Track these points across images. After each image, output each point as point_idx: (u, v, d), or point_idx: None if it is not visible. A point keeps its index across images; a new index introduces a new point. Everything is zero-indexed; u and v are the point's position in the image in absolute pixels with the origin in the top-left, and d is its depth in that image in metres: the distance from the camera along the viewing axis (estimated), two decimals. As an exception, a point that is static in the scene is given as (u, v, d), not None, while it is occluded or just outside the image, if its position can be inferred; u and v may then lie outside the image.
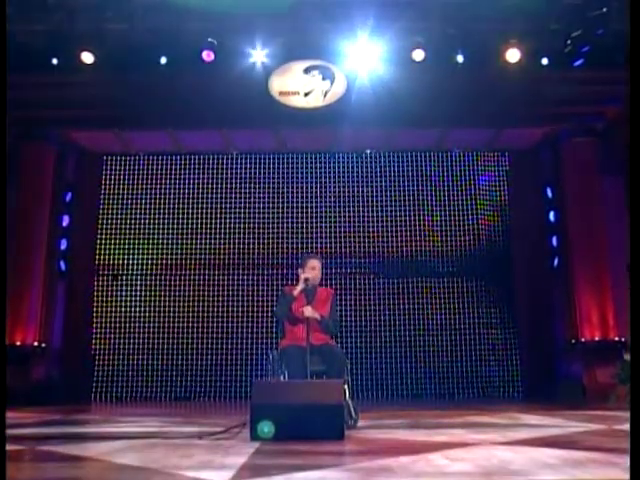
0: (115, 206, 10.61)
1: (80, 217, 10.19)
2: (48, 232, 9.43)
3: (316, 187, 10.71)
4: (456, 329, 10.14)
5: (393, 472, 2.43)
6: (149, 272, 10.38)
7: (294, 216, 10.58)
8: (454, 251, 10.48)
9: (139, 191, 10.67)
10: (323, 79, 9.16)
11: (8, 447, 2.96)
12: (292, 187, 10.71)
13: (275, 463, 2.74)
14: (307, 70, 9.15)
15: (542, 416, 5.48)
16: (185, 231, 10.55)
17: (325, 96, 9.20)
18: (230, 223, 10.59)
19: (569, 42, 8.48)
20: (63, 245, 9.87)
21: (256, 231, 10.54)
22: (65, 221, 9.94)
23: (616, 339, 8.78)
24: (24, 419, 5.39)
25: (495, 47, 8.85)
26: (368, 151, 10.78)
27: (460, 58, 8.72)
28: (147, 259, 10.43)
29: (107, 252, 10.44)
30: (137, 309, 10.22)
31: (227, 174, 10.78)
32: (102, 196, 10.62)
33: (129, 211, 10.59)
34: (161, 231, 10.54)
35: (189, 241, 10.51)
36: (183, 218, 10.59)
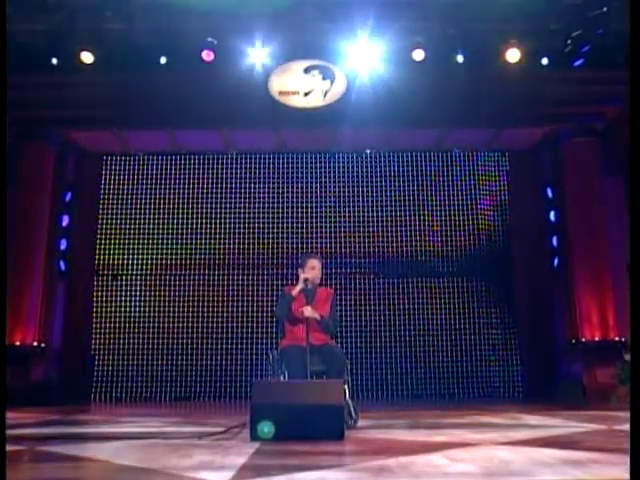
0: (115, 206, 10.61)
1: (80, 217, 10.19)
2: (48, 232, 9.42)
3: (316, 187, 10.70)
4: (456, 329, 10.14)
5: (393, 472, 2.42)
6: (149, 272, 10.38)
7: (294, 216, 10.58)
8: (454, 251, 10.48)
9: (139, 191, 10.67)
10: (323, 79, 9.15)
11: (8, 447, 2.95)
12: (292, 187, 10.71)
13: (275, 463, 2.74)
14: (307, 70, 9.15)
15: (542, 416, 5.47)
16: (185, 231, 10.54)
17: (325, 96, 9.19)
18: (230, 223, 10.59)
19: (569, 42, 8.47)
20: (63, 245, 9.86)
21: (256, 231, 10.54)
22: (65, 221, 9.94)
23: (616, 339, 8.78)
24: (24, 419, 5.38)
25: (495, 47, 8.84)
26: (368, 151, 10.77)
27: (460, 58, 8.72)
28: (147, 259, 10.42)
29: (107, 252, 10.44)
30: (137, 309, 10.21)
31: (227, 174, 10.78)
32: (102, 196, 10.62)
33: (129, 211, 10.59)
34: (161, 231, 10.54)
35: (189, 241, 10.50)
36: (183, 218, 10.59)
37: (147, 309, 10.21)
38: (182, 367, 9.95)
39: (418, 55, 8.68)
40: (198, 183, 10.73)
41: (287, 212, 10.60)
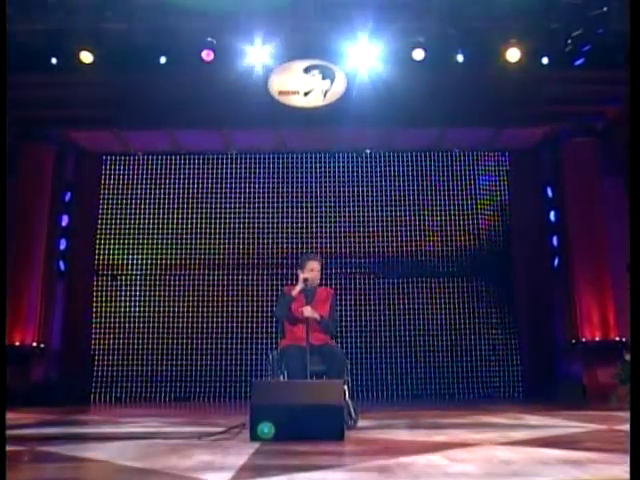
0: (114, 206, 10.60)
1: (79, 217, 10.18)
2: (47, 232, 9.41)
3: (316, 187, 10.70)
4: (456, 329, 10.13)
5: (393, 472, 2.42)
6: (149, 272, 10.37)
7: (294, 216, 10.57)
8: (454, 251, 10.47)
9: (138, 191, 10.66)
10: (323, 78, 9.14)
11: (8, 448, 2.95)
12: (292, 187, 10.70)
13: (275, 464, 2.73)
14: (307, 69, 9.14)
15: (542, 416, 5.47)
16: (184, 231, 10.53)
17: (325, 96, 9.18)
18: (230, 223, 10.58)
19: (569, 41, 8.47)
20: (62, 245, 9.86)
21: (256, 231, 10.53)
22: (64, 221, 9.93)
23: (617, 339, 8.77)
24: (23, 420, 5.38)
25: (495, 46, 8.84)
26: (368, 151, 10.77)
27: (460, 57, 8.71)
28: (146, 259, 10.41)
29: (106, 252, 10.43)
30: (136, 309, 10.20)
31: (226, 174, 10.78)
32: (101, 196, 10.61)
33: (128, 211, 10.58)
34: (160, 231, 10.53)
35: (188, 241, 10.50)
36: (183, 218, 10.58)
37: (147, 309, 10.20)
38: (182, 367, 9.94)
39: (418, 55, 8.68)
40: (198, 183, 10.72)
41: (287, 212, 10.59)
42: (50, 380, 9.08)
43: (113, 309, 10.20)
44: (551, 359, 9.65)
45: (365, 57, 8.92)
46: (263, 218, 10.57)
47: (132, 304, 10.23)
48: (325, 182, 10.73)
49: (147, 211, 10.59)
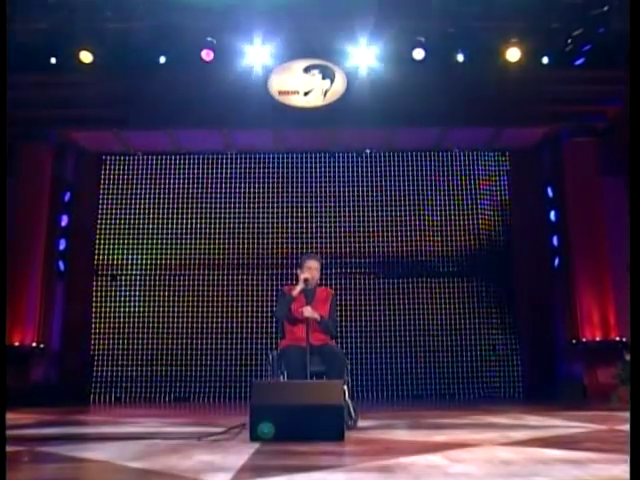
0: (114, 206, 10.59)
1: (79, 217, 10.17)
2: (47, 232, 9.41)
3: (316, 187, 10.69)
4: (456, 329, 10.12)
5: (393, 473, 2.41)
6: (148, 272, 10.36)
7: (294, 216, 10.57)
8: (454, 251, 10.46)
9: (138, 191, 10.65)
10: (323, 78, 9.14)
11: (7, 448, 2.94)
12: (292, 187, 10.69)
13: (275, 464, 2.72)
14: (307, 69, 9.13)
15: (543, 416, 5.46)
16: (184, 231, 10.52)
17: (325, 95, 9.18)
18: (229, 223, 10.57)
19: (570, 41, 8.47)
20: (62, 245, 9.85)
21: (256, 231, 10.52)
22: (64, 221, 9.92)
23: (617, 339, 8.77)
24: (23, 420, 5.37)
25: (495, 46, 8.84)
26: (368, 151, 10.76)
27: (460, 57, 8.72)
28: (146, 259, 10.40)
29: (106, 252, 10.42)
30: (136, 309, 10.19)
31: (226, 174, 10.77)
32: (101, 196, 10.61)
33: (128, 211, 10.57)
34: (160, 231, 10.52)
35: (188, 241, 10.48)
36: (182, 218, 10.57)
37: (147, 309, 10.19)
38: (182, 367, 9.92)
39: (418, 54, 8.68)
40: (197, 183, 10.72)
41: (287, 212, 10.58)
42: (50, 380, 9.07)
43: (113, 309, 10.19)
44: (551, 359, 9.64)
45: (365, 57, 8.92)
46: (263, 218, 10.56)
47: (132, 304, 10.22)
48: (325, 182, 10.72)
49: (147, 211, 10.58)
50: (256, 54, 8.92)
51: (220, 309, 10.20)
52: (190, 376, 9.89)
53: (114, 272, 10.35)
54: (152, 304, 10.21)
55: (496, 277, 10.44)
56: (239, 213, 10.60)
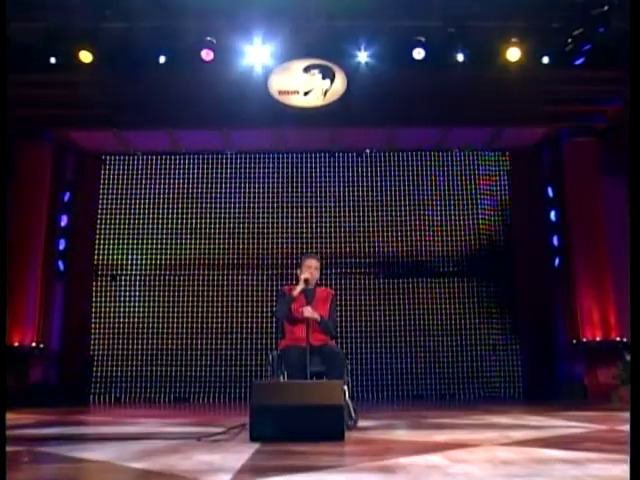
0: (114, 206, 10.59)
1: (79, 217, 10.17)
2: (46, 232, 9.40)
3: (316, 187, 10.69)
4: (457, 329, 10.11)
5: (393, 473, 2.40)
6: (148, 272, 10.35)
7: (294, 216, 10.56)
8: (454, 251, 10.45)
9: (138, 191, 10.65)
10: (323, 78, 9.14)
11: (7, 448, 2.93)
12: (292, 187, 10.69)
13: (275, 464, 2.72)
14: (307, 69, 9.13)
15: (543, 417, 5.45)
16: (184, 231, 10.52)
17: (325, 95, 9.18)
18: (229, 223, 10.56)
19: (570, 41, 8.47)
20: (61, 245, 9.84)
21: (256, 231, 10.52)
22: (64, 221, 9.92)
23: (618, 339, 8.76)
24: (22, 420, 5.36)
25: (496, 46, 8.84)
26: (368, 151, 10.75)
27: (460, 57, 8.71)
28: (146, 259, 10.40)
29: (106, 252, 10.42)
30: (136, 309, 10.18)
31: (226, 174, 10.77)
32: (101, 196, 10.60)
33: (128, 211, 10.57)
34: (160, 231, 10.51)
35: (188, 241, 10.48)
36: (182, 218, 10.57)
37: (146, 309, 10.18)
38: (181, 368, 9.91)
39: (418, 54, 8.67)
40: (197, 183, 10.71)
41: (287, 212, 10.58)
42: (49, 380, 9.07)
43: (112, 309, 10.18)
44: (552, 359, 9.64)
45: (365, 56, 8.91)
46: (263, 218, 10.56)
47: (131, 304, 10.21)
48: (325, 182, 10.72)
49: (147, 211, 10.57)
50: (256, 54, 8.92)
51: (220, 309, 10.20)
52: (190, 376, 9.88)
53: (114, 272, 10.34)
54: (152, 304, 10.21)
55: (496, 277, 10.43)
56: (239, 213, 10.59)
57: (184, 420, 5.78)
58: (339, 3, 8.24)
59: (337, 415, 3.52)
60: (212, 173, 10.77)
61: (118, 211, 10.57)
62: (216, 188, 10.70)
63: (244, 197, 10.65)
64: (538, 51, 8.82)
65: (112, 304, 10.21)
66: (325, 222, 10.54)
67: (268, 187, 10.68)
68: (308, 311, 4.53)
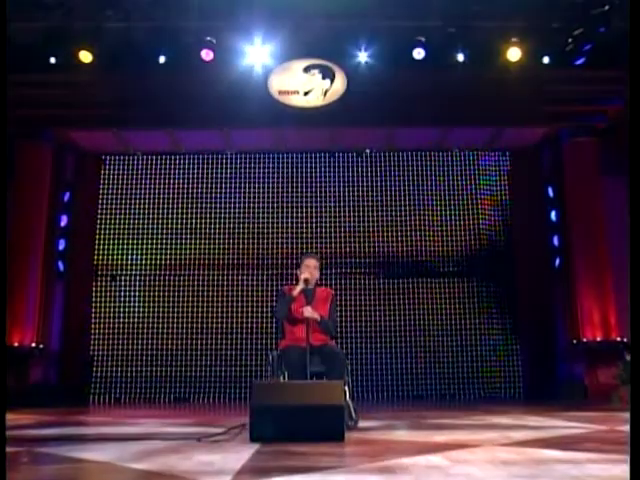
0: (114, 206, 10.58)
1: (78, 217, 10.16)
2: (46, 232, 9.40)
3: (316, 187, 10.68)
4: (457, 329, 10.11)
5: (394, 473, 2.40)
6: (148, 272, 10.35)
7: (294, 216, 10.56)
8: (455, 251, 10.45)
9: (138, 191, 10.64)
10: (323, 78, 9.13)
11: (7, 449, 2.92)
12: (292, 187, 10.68)
13: (275, 465, 2.71)
14: (307, 69, 9.13)
15: (543, 417, 5.45)
16: (184, 231, 10.51)
17: (325, 95, 9.17)
18: (229, 223, 10.56)
19: (570, 41, 8.46)
20: (61, 245, 9.84)
21: (256, 231, 10.51)
22: (63, 221, 9.91)
23: (618, 339, 8.76)
24: (22, 420, 5.36)
25: (496, 46, 8.83)
26: (368, 151, 10.75)
27: (461, 57, 8.71)
28: (146, 259, 10.39)
29: (106, 252, 10.41)
30: (136, 310, 10.17)
31: (226, 174, 10.76)
32: (101, 196, 10.59)
33: (128, 211, 10.56)
34: (160, 231, 10.51)
35: (188, 241, 10.47)
36: (182, 218, 10.56)
37: (146, 309, 10.17)
38: (181, 368, 9.91)
39: (418, 54, 8.67)
40: (197, 183, 10.71)
41: (287, 212, 10.58)
42: (49, 381, 9.06)
43: (112, 309, 10.18)
44: (552, 359, 9.63)
45: (365, 56, 8.90)
46: (263, 218, 10.55)
47: (131, 304, 10.21)
48: (325, 182, 10.71)
49: (147, 211, 10.57)
50: (256, 54, 8.91)
51: (220, 309, 10.19)
52: (190, 376, 9.87)
53: (114, 272, 10.33)
54: (152, 304, 10.20)
55: (496, 277, 10.42)
56: (239, 213, 10.59)
57: (184, 420, 5.77)
58: (339, 3, 8.24)
59: (337, 415, 3.52)
60: (212, 173, 10.76)
61: (118, 211, 10.56)
62: (216, 188, 10.69)
63: (244, 197, 10.64)
64: (538, 51, 8.81)
65: (112, 304, 10.21)
66: (325, 222, 10.53)
67: (268, 187, 10.67)
68: (308, 311, 4.52)
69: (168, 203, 10.61)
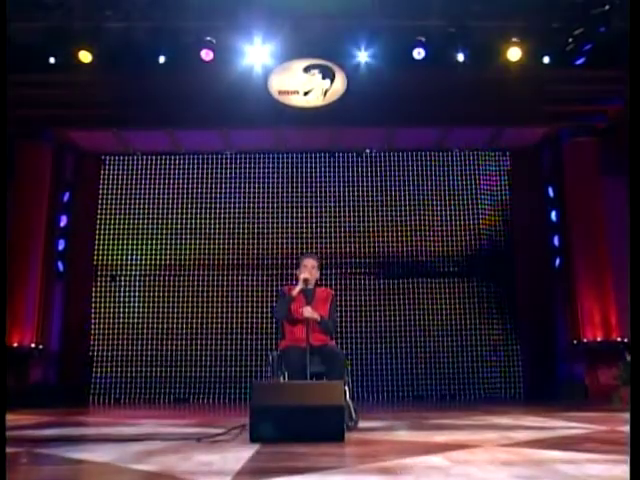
0: (113, 206, 10.57)
1: (78, 217, 10.16)
2: (46, 232, 9.39)
3: (316, 187, 10.67)
4: (457, 329, 10.10)
5: (394, 474, 2.39)
6: (148, 273, 10.34)
7: (294, 216, 10.55)
8: (455, 251, 10.44)
9: (138, 191, 10.63)
10: (323, 78, 9.13)
11: (7, 449, 2.92)
12: (292, 187, 10.67)
13: (275, 465, 2.71)
14: (307, 69, 9.12)
15: (544, 417, 5.44)
16: (184, 231, 10.50)
17: (325, 95, 9.17)
18: (229, 223, 10.55)
19: (570, 40, 8.45)
20: (61, 246, 9.83)
21: (255, 231, 10.50)
22: (63, 221, 9.91)
23: (618, 340, 8.75)
24: (22, 421, 5.35)
25: (496, 45, 8.83)
26: (368, 151, 10.74)
27: (461, 57, 8.70)
28: (146, 259, 10.38)
29: (105, 253, 10.40)
30: (136, 310, 10.16)
31: (226, 174, 10.75)
32: (100, 196, 10.58)
33: (127, 211, 10.55)
34: (160, 231, 10.50)
35: (188, 241, 10.46)
36: (182, 218, 10.55)
37: (146, 310, 10.16)
38: (181, 368, 9.89)
39: (418, 54, 8.66)
40: (197, 183, 10.70)
41: (287, 212, 10.57)
42: (49, 381, 9.05)
43: (112, 310, 10.17)
44: (552, 360, 9.62)
45: (365, 56, 8.90)
46: (263, 218, 10.55)
47: (131, 304, 10.20)
48: (325, 182, 10.71)
49: (146, 211, 10.55)
50: (256, 54, 8.91)
51: (220, 309, 10.18)
52: (190, 377, 9.86)
53: (113, 272, 10.32)
54: (152, 304, 10.19)
55: (496, 277, 10.42)
56: (239, 213, 10.58)
57: (184, 421, 5.77)
58: (339, 3, 8.23)
59: (337, 416, 3.51)
60: (212, 173, 10.75)
61: (118, 211, 10.55)
62: (216, 188, 10.68)
63: (244, 197, 10.63)
64: (538, 51, 8.81)
65: (112, 304, 10.20)
66: (325, 222, 10.52)
67: (268, 187, 10.66)
68: (308, 311, 4.52)
69: (168, 203, 10.60)
